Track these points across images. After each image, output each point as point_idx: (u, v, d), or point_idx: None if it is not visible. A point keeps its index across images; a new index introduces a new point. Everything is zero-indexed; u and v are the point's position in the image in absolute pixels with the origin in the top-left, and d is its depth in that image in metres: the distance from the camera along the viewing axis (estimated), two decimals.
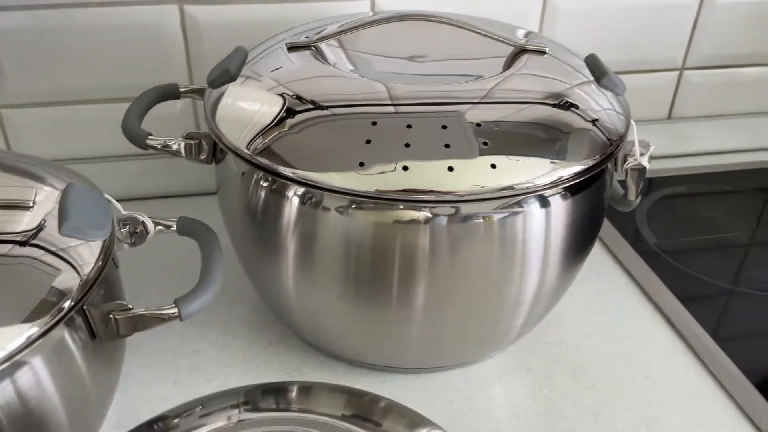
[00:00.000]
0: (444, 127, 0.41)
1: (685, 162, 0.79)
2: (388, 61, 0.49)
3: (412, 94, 0.43)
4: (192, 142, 0.47)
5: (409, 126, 0.41)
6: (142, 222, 0.43)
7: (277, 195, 0.42)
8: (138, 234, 0.43)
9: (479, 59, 0.49)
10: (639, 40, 0.74)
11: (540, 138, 0.42)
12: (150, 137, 0.47)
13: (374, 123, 0.41)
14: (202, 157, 0.47)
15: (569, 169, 0.42)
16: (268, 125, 0.42)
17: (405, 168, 0.39)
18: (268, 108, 0.43)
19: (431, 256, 0.41)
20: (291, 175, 0.40)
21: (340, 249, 0.42)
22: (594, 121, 0.44)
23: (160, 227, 0.44)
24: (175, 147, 0.47)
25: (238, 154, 0.43)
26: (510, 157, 0.40)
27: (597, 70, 0.48)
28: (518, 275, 0.44)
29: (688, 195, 0.74)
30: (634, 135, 0.47)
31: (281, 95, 0.43)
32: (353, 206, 0.40)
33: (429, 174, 0.39)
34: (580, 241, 0.46)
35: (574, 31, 0.72)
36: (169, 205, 0.69)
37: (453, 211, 0.40)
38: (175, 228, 0.44)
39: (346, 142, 0.41)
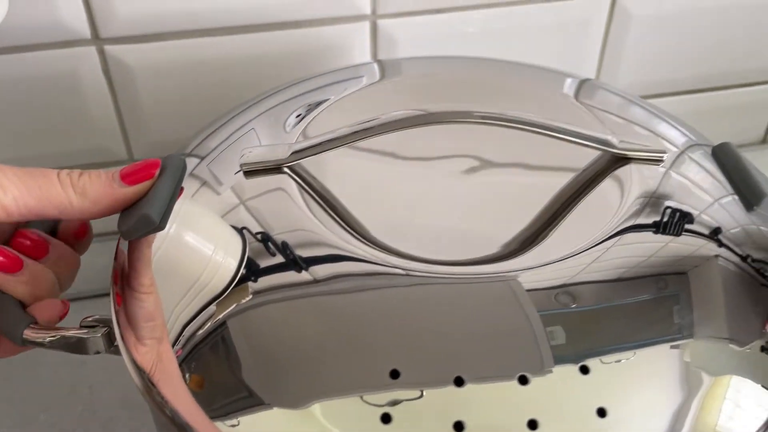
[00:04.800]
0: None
1: None
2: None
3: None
4: (95, 334, 0.29)
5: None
6: None
7: None
8: None
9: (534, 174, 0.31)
10: (728, 47, 0.55)
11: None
12: (34, 327, 0.28)
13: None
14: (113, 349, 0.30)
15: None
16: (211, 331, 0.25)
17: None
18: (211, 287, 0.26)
19: None
20: None
21: None
22: None
23: None
24: (69, 339, 0.29)
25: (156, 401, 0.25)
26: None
27: (743, 182, 0.30)
28: None
29: None
30: None
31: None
32: None
33: None
34: None
35: (645, 39, 0.53)
36: None
37: None
38: None
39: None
